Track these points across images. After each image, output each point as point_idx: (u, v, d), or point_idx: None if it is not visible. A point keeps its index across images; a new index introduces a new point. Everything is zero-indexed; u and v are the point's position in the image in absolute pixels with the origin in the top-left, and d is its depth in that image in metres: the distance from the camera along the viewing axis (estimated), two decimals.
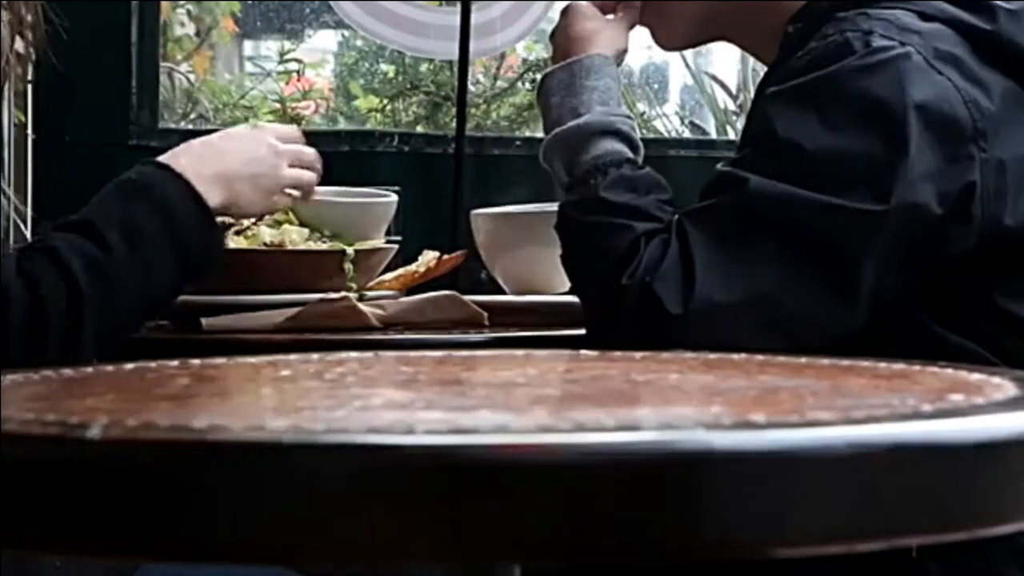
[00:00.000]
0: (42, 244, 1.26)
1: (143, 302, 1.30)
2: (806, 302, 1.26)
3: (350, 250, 1.49)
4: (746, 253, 1.26)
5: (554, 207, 1.61)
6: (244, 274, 1.52)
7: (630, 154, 1.40)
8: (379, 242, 1.56)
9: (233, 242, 1.52)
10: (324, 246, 1.53)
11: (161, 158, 1.36)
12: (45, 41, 1.42)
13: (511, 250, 1.64)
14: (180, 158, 1.36)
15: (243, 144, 1.44)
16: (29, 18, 1.40)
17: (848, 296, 1.27)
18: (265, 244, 1.53)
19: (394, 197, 1.61)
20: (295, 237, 1.53)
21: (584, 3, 1.51)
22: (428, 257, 1.64)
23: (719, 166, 1.34)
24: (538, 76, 4.31)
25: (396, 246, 1.57)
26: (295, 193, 1.48)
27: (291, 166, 1.46)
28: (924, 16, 1.34)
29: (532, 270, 1.57)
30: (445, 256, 1.63)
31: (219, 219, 1.52)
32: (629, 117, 1.45)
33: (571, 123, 1.41)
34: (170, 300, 1.35)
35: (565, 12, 1.51)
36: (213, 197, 1.35)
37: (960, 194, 1.27)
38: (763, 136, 1.32)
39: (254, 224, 1.55)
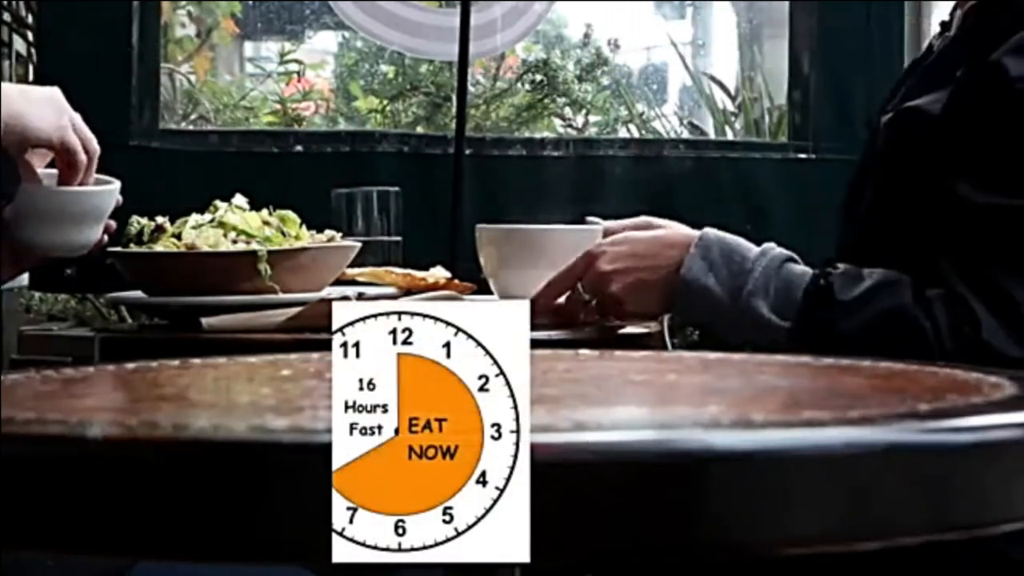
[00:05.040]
0: None
1: None
2: None
3: (262, 251, 1.48)
4: None
5: (559, 227, 1.62)
6: (159, 278, 1.53)
7: (800, 263, 1.39)
8: (303, 242, 1.55)
9: (162, 246, 1.52)
10: (237, 247, 1.52)
11: None
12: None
13: (515, 268, 1.63)
14: None
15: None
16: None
17: None
18: (186, 247, 1.52)
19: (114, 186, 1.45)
20: (211, 239, 1.52)
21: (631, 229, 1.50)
22: (439, 274, 1.64)
23: (975, 196, 1.30)
24: (537, 77, 4.29)
25: (321, 245, 1.56)
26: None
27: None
28: None
29: (533, 288, 1.57)
30: (456, 281, 1.63)
31: (153, 222, 1.53)
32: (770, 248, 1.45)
33: (756, 278, 1.38)
34: None
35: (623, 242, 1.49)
36: None
37: None
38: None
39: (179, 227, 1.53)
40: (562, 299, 1.51)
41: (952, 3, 1.50)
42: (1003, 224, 1.29)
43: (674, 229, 1.48)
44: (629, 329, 1.53)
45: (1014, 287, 1.26)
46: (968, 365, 0.84)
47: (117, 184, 1.41)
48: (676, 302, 1.43)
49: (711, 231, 1.44)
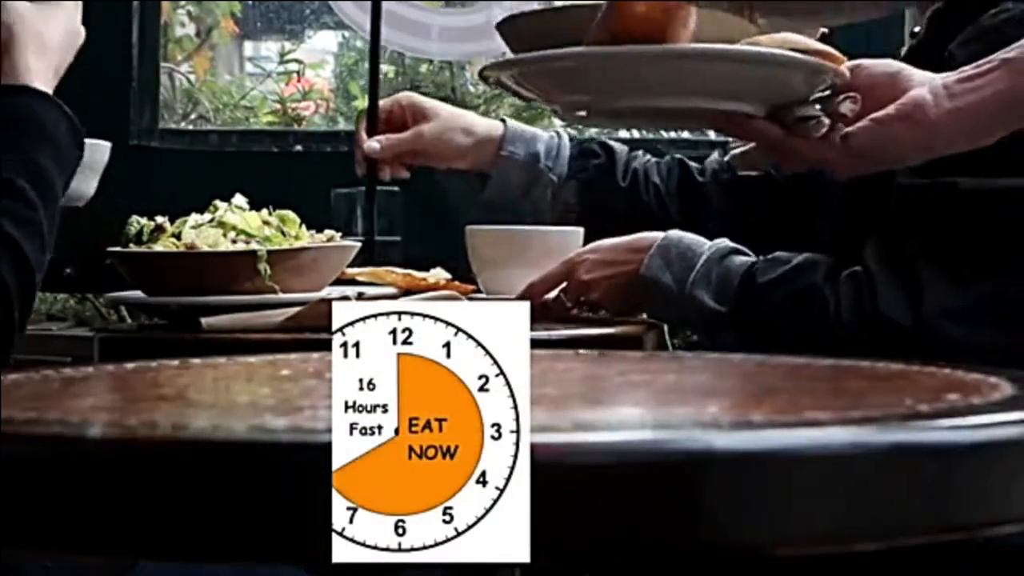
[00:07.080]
0: None
1: (48, 243, 1.27)
2: None
3: (262, 251, 1.48)
4: (968, 252, 1.29)
5: (542, 228, 1.68)
6: (159, 277, 1.52)
7: (749, 256, 1.44)
8: (303, 242, 1.55)
9: (162, 246, 1.52)
10: (237, 247, 1.51)
11: (15, 66, 1.33)
12: None
13: (501, 267, 1.65)
14: (31, 62, 1.33)
15: (63, 16, 1.41)
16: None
17: None
18: (186, 247, 1.51)
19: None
20: (211, 239, 1.51)
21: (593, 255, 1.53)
22: (439, 275, 1.65)
23: (904, 178, 1.33)
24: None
25: (321, 245, 1.56)
26: None
27: None
28: None
29: (516, 286, 1.59)
30: (456, 282, 1.63)
31: (152, 221, 1.53)
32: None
33: (699, 269, 1.44)
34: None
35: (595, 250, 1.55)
36: (50, 86, 1.35)
37: None
38: None
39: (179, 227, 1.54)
40: (551, 295, 1.56)
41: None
42: (924, 202, 1.32)
43: (641, 233, 1.54)
44: (629, 329, 1.53)
45: (921, 263, 1.30)
46: (967, 365, 0.84)
47: (108, 144, 1.45)
48: (642, 301, 1.50)
49: (676, 232, 1.50)
